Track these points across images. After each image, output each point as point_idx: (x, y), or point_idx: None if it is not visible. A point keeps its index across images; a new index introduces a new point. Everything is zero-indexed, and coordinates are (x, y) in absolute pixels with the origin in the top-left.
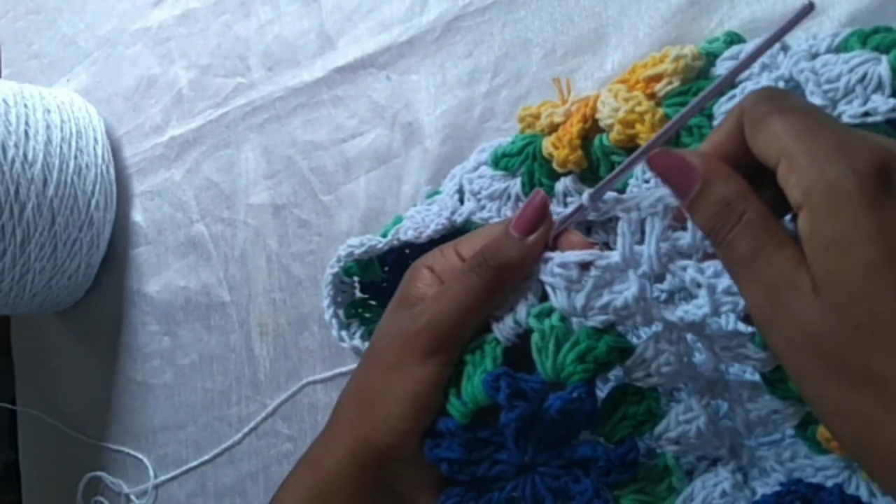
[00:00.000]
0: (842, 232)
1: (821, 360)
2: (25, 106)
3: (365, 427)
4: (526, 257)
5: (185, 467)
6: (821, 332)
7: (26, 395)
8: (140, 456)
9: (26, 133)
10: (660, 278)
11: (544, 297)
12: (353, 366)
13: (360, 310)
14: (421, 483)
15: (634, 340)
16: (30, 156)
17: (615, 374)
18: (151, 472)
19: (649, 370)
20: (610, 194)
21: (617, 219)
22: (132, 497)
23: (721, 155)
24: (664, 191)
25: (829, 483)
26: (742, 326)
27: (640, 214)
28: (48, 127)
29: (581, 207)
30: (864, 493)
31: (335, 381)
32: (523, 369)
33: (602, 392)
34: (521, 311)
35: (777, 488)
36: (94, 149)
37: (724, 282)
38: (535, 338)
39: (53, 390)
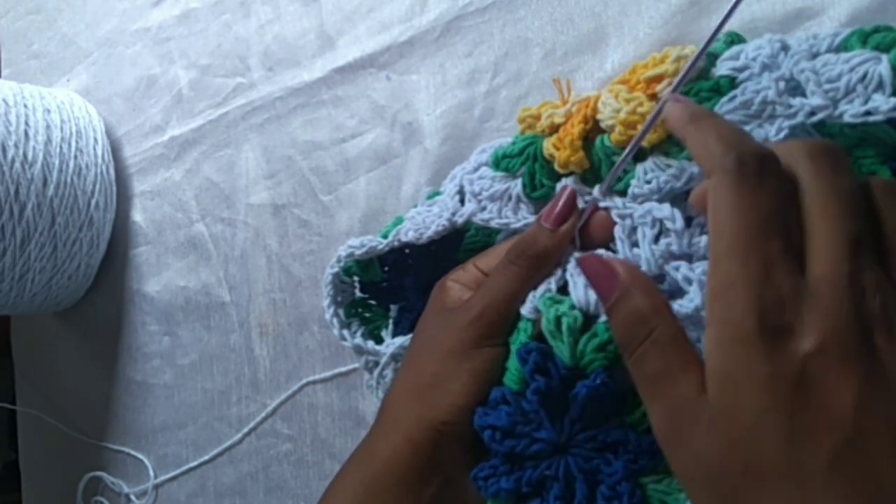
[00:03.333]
0: (735, 373)
1: (713, 494)
2: (25, 106)
3: (423, 408)
4: (558, 246)
5: (185, 467)
6: (713, 467)
7: (26, 395)
8: (140, 456)
9: (26, 133)
10: (659, 279)
11: (563, 290)
12: (354, 365)
13: (360, 310)
14: (468, 464)
15: None
16: (30, 156)
17: None
18: (151, 472)
19: None
20: (615, 199)
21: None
22: (132, 497)
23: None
24: (654, 205)
25: None
26: None
27: (633, 222)
28: (48, 127)
29: (596, 200)
30: None
31: (335, 381)
32: None
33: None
34: (539, 290)
35: None
36: (94, 149)
37: None
38: (543, 322)
39: (53, 390)
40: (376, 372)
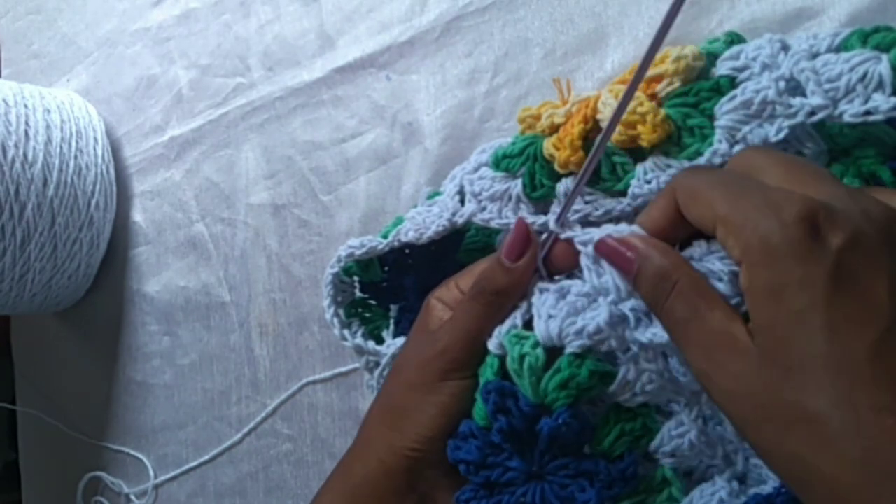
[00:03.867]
0: (773, 282)
1: (757, 407)
2: (25, 106)
3: (393, 436)
4: (517, 282)
5: (185, 467)
6: (756, 381)
7: (26, 395)
8: (140, 456)
9: (26, 133)
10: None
11: (531, 322)
12: (354, 365)
13: (360, 310)
14: (445, 485)
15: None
16: (30, 156)
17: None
18: (151, 472)
19: (634, 390)
20: (574, 222)
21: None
22: (132, 497)
23: (658, 228)
24: (610, 228)
25: None
26: None
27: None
28: (48, 127)
29: (552, 233)
30: None
31: (335, 381)
32: None
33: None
34: (505, 326)
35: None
36: (94, 149)
37: None
38: (508, 360)
39: (53, 390)
40: (377, 372)
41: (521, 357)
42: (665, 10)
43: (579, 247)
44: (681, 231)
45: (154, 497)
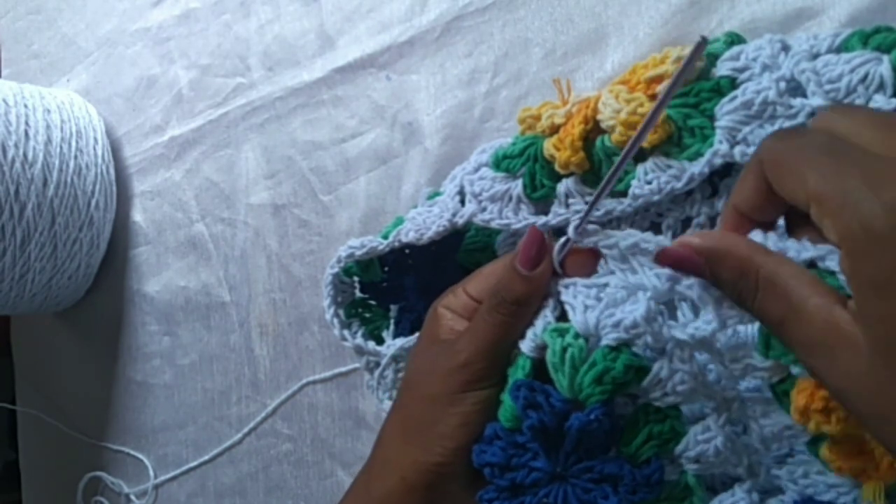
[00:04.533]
0: (880, 274)
1: (876, 406)
2: (25, 106)
3: (415, 451)
4: (537, 289)
5: (185, 467)
6: (869, 381)
7: (26, 395)
8: (140, 456)
9: (26, 133)
10: (669, 307)
11: (562, 318)
12: (354, 365)
13: (360, 310)
14: (463, 498)
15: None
16: (30, 156)
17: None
18: (151, 472)
19: (665, 390)
20: (593, 228)
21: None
22: (132, 497)
23: (754, 206)
24: (637, 235)
25: (841, 500)
26: (743, 333)
27: (620, 252)
28: (48, 127)
29: (568, 240)
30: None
31: (335, 381)
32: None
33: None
34: (539, 325)
35: None
36: (94, 149)
37: None
38: (548, 355)
39: (53, 390)
40: (377, 373)
41: (564, 349)
42: (665, 9)
43: (604, 251)
44: (781, 205)
45: (154, 497)
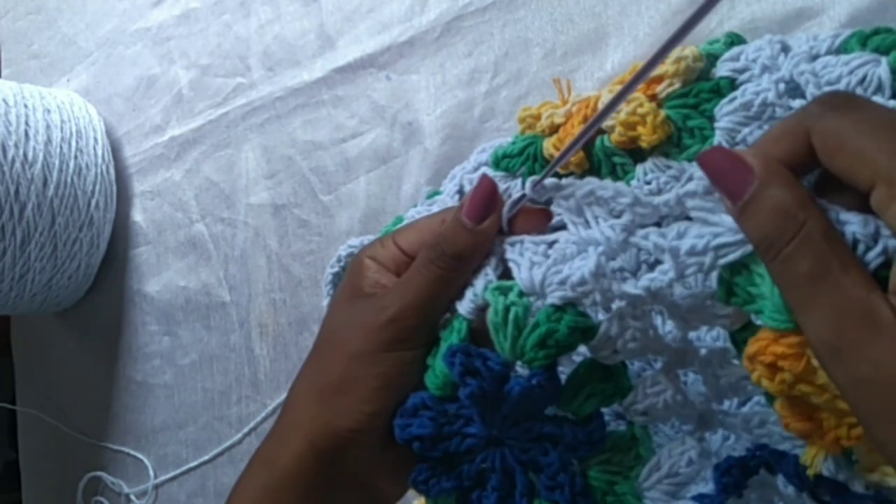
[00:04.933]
0: None
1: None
2: (25, 106)
3: (328, 414)
4: (482, 244)
5: (185, 467)
6: None
7: (26, 395)
8: (140, 456)
9: (26, 133)
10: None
11: (504, 277)
12: None
13: None
14: (383, 465)
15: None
16: (30, 156)
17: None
18: (151, 472)
19: (615, 347)
20: (549, 181)
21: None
22: (132, 497)
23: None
24: (597, 181)
25: (796, 452)
26: (694, 283)
27: (577, 202)
28: (48, 127)
29: (524, 196)
30: (830, 466)
31: None
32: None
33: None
34: (479, 284)
35: (743, 454)
36: (94, 149)
37: (688, 243)
38: (490, 314)
39: (53, 390)
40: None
41: (507, 308)
42: (665, 10)
43: (560, 203)
44: (805, 173)
45: (154, 497)
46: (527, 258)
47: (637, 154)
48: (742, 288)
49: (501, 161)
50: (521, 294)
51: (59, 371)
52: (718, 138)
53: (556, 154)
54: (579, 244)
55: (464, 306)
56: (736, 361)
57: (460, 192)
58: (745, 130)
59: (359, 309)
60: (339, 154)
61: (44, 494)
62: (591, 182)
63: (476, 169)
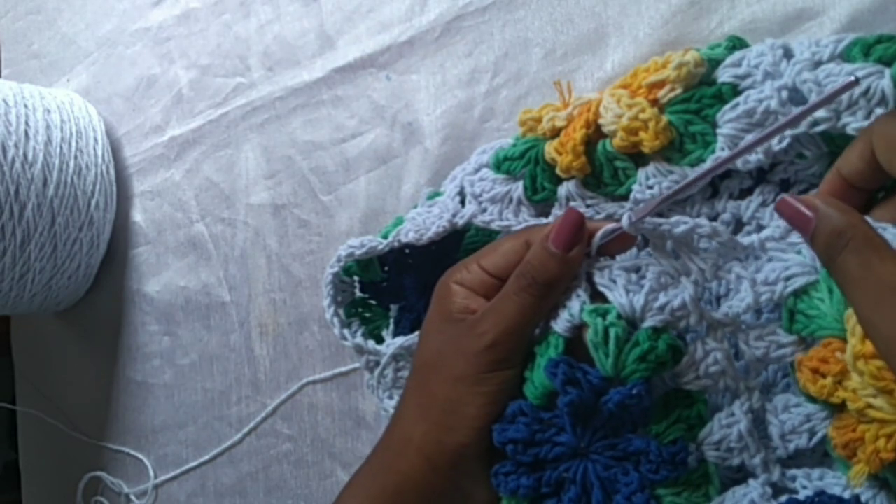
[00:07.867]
0: None
1: None
2: (25, 106)
3: (439, 431)
4: (570, 271)
5: (185, 467)
6: None
7: (26, 395)
8: (140, 456)
9: (26, 133)
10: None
11: (594, 298)
12: (354, 365)
13: (360, 309)
14: (484, 477)
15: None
16: (30, 156)
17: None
18: (151, 472)
19: (698, 372)
20: (649, 220)
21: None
22: (132, 497)
23: (856, 171)
24: (687, 220)
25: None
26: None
27: (671, 245)
28: (48, 127)
29: (620, 229)
30: (884, 501)
31: (335, 381)
32: (588, 361)
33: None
34: (574, 306)
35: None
36: (94, 149)
37: (763, 275)
38: (589, 334)
39: (53, 390)
40: (377, 372)
41: (606, 329)
42: (665, 10)
43: (655, 239)
44: (883, 176)
45: (154, 497)
46: (620, 285)
47: (639, 158)
48: (802, 314)
49: (502, 163)
50: (619, 316)
51: (59, 371)
52: (720, 144)
53: (558, 158)
54: (672, 274)
55: (560, 325)
56: (798, 400)
57: (461, 194)
58: (748, 137)
59: (454, 335)
60: (339, 154)
61: (44, 494)
62: (687, 221)
63: (477, 170)
